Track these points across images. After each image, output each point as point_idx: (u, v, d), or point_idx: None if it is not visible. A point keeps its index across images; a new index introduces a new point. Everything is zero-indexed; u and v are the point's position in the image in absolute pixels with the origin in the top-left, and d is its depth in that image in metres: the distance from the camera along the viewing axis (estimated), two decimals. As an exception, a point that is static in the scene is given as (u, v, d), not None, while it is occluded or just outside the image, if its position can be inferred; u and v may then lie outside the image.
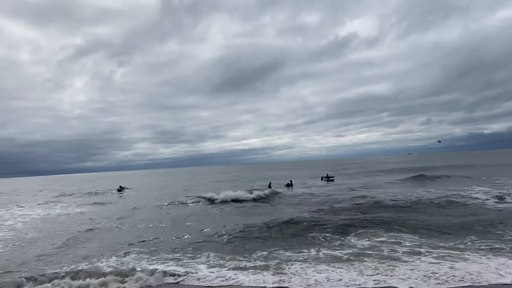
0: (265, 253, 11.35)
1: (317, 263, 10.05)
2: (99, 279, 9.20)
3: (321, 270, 9.33)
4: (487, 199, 19.31)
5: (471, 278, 8.26)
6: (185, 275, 9.51)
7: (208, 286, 8.86)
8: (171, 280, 9.30)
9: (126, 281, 9.19)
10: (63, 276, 9.54)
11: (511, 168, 43.55)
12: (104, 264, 10.75)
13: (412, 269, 9.00)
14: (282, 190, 29.53)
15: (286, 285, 8.51)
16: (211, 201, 25.17)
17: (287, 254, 11.13)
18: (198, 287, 8.87)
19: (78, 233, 16.34)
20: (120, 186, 46.94)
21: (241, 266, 10.10)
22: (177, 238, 14.24)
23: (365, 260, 9.94)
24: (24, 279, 9.27)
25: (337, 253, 10.98)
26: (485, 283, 7.97)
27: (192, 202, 25.64)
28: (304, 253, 11.14)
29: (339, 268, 9.43)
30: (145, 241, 13.86)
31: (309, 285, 8.39)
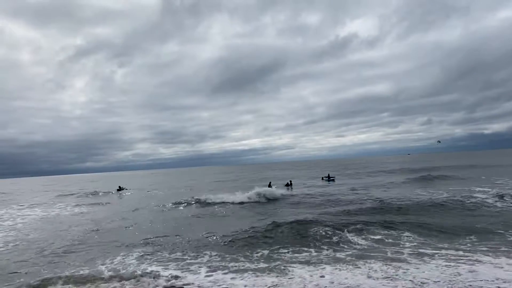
0: (266, 254, 11.26)
1: (319, 264, 9.91)
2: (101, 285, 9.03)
3: (324, 273, 9.08)
4: (488, 200, 19.21)
5: (493, 281, 7.92)
6: (185, 278, 9.40)
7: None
8: (171, 284, 9.15)
9: (127, 285, 9.08)
10: (65, 281, 9.33)
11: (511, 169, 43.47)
12: (104, 267, 10.54)
13: (424, 271, 8.68)
14: (282, 191, 29.46)
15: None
16: (212, 202, 25.09)
17: (289, 255, 11.04)
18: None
19: (78, 234, 16.26)
20: (119, 187, 47.00)
21: (242, 268, 9.97)
22: (177, 239, 14.11)
23: (369, 262, 9.74)
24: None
25: (339, 254, 10.87)
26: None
27: (193, 203, 25.54)
28: (305, 254, 11.04)
29: (343, 270, 9.21)
30: (145, 242, 13.76)
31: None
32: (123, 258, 11.51)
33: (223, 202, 24.51)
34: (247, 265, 10.25)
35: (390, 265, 9.37)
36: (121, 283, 9.14)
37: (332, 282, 8.38)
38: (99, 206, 28.38)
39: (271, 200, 24.74)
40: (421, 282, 8.09)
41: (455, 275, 8.45)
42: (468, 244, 11.28)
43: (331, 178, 43.03)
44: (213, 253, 11.55)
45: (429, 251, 10.57)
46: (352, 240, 12.40)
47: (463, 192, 22.72)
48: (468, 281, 8.02)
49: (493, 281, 7.97)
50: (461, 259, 9.62)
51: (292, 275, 9.09)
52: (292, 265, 9.98)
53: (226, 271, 9.76)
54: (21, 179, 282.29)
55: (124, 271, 10.05)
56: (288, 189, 33.28)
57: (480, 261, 9.39)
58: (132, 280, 9.27)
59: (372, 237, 12.67)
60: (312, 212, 18.50)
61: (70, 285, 9.12)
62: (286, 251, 11.54)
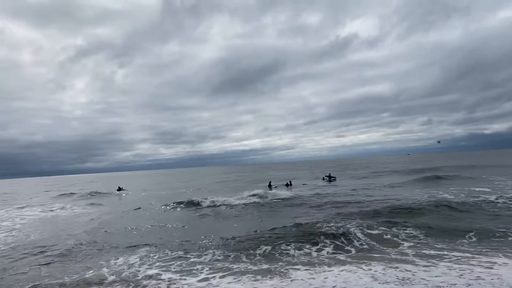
0: (267, 254, 11.14)
1: (321, 266, 9.75)
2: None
3: (327, 275, 8.82)
4: (489, 200, 19.08)
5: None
6: (185, 280, 9.28)
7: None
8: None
9: None
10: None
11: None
12: (107, 270, 10.30)
13: (435, 276, 8.09)
14: (283, 191, 29.35)
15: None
16: (213, 202, 24.96)
17: (290, 257, 10.91)
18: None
19: (79, 234, 16.12)
20: (119, 187, 46.99)
21: (243, 269, 9.82)
22: (178, 239, 13.96)
23: (373, 264, 9.50)
24: None
25: (342, 256, 10.73)
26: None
27: (194, 203, 25.43)
28: (307, 256, 10.92)
29: (347, 271, 8.97)
30: (146, 242, 13.60)
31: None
32: (125, 259, 11.37)
33: (224, 203, 24.38)
34: (249, 266, 10.10)
35: (396, 267, 9.02)
36: None
37: (335, 286, 8.07)
38: (99, 207, 28.25)
39: (272, 200, 24.60)
40: (437, 286, 7.54)
41: (475, 279, 7.76)
42: (473, 245, 11.12)
43: (332, 178, 42.89)
44: (215, 255, 11.40)
45: (433, 252, 10.40)
46: (354, 241, 12.25)
47: (464, 192, 22.61)
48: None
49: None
50: (471, 261, 9.27)
51: (294, 277, 8.87)
52: (295, 266, 9.82)
53: (226, 272, 9.61)
54: (21, 179, 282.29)
55: (126, 273, 9.90)
56: (288, 189, 33.29)
57: (494, 263, 8.83)
58: (135, 284, 9.06)
59: (375, 237, 12.52)
60: (313, 213, 18.38)
61: None
62: (287, 252, 11.40)
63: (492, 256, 9.62)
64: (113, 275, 9.84)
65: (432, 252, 10.49)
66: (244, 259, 10.88)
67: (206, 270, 9.90)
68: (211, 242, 13.21)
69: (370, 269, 9.00)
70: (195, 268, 10.21)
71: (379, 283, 7.98)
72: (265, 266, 9.99)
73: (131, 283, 9.13)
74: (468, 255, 9.95)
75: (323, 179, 44.12)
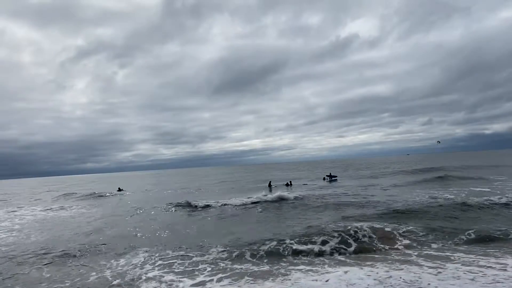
0: (268, 255, 11.10)
1: (323, 267, 9.70)
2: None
3: (329, 277, 8.76)
4: (490, 200, 19.02)
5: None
6: (185, 282, 9.23)
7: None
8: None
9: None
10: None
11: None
12: (109, 273, 10.21)
13: (443, 279, 7.72)
14: (284, 192, 29.31)
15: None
16: (214, 203, 24.93)
17: (291, 258, 10.87)
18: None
19: (79, 235, 16.06)
20: (119, 188, 46.98)
21: (243, 271, 9.78)
22: (179, 239, 13.92)
23: (375, 266, 9.44)
24: None
25: (344, 257, 10.69)
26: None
27: (194, 204, 25.37)
28: (309, 257, 10.88)
29: (350, 273, 8.89)
30: (147, 243, 13.57)
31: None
32: (127, 261, 11.32)
33: (225, 204, 24.33)
34: (250, 267, 10.06)
35: (401, 269, 8.88)
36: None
37: None
38: (100, 207, 28.20)
39: (272, 201, 24.55)
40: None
41: (491, 282, 7.38)
42: (476, 246, 11.04)
43: (333, 178, 42.81)
44: (216, 257, 11.34)
45: (437, 253, 10.34)
46: (356, 242, 12.17)
47: (464, 193, 22.55)
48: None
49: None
50: (480, 262, 9.08)
51: (295, 279, 8.79)
52: (296, 267, 9.79)
53: (227, 273, 9.55)
54: (22, 180, 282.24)
55: (129, 275, 9.83)
56: (288, 189, 33.31)
57: (506, 265, 8.58)
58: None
59: (377, 238, 12.44)
60: (314, 213, 18.31)
61: None
62: (288, 252, 11.35)
63: (500, 257, 9.41)
64: (116, 278, 9.73)
65: (436, 253, 10.43)
66: (245, 258, 10.85)
67: (209, 273, 9.80)
68: (212, 242, 13.15)
69: (373, 271, 8.90)
70: (197, 268, 10.17)
71: (384, 286, 7.77)
72: (266, 267, 9.95)
73: (134, 287, 9.08)
74: (473, 256, 9.83)
75: (324, 179, 44.04)
